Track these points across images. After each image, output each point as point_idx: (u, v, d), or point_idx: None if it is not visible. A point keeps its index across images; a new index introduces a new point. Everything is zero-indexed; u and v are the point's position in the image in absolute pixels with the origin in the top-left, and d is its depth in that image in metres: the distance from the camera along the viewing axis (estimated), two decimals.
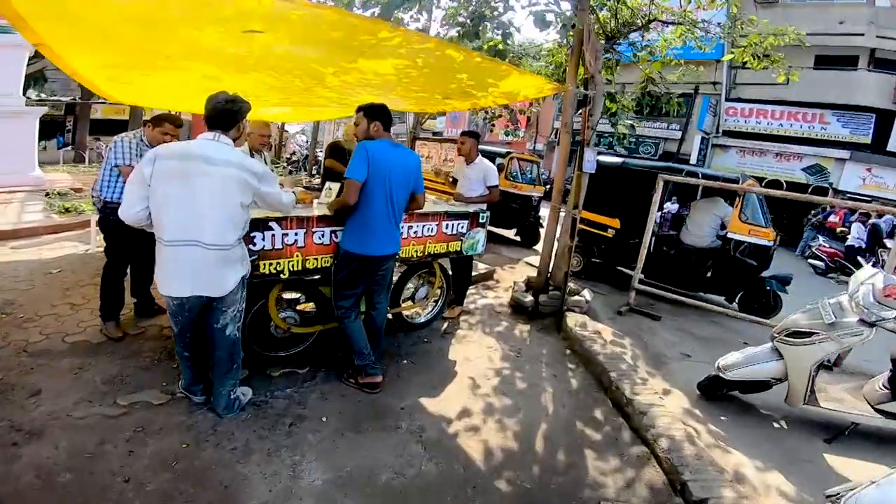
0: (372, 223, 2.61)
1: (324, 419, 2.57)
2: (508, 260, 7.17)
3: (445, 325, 4.15)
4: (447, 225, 3.46)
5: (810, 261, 10.27)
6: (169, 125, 3.14)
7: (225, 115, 2.14)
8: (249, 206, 2.18)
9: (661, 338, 4.65)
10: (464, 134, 4.24)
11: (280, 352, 3.04)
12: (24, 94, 8.33)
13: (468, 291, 4.56)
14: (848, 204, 7.89)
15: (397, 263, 3.40)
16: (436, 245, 3.45)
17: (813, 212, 12.51)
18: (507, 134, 10.81)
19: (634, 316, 5.15)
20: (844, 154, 14.68)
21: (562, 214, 4.59)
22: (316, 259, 2.78)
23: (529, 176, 8.60)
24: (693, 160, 16.07)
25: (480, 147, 9.38)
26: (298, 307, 3.15)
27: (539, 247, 8.30)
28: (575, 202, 4.24)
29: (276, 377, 2.91)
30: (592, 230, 6.11)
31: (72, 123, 17.05)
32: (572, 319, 4.28)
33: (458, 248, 3.64)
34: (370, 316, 2.95)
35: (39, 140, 8.70)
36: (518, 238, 8.68)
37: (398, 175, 2.62)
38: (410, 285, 3.77)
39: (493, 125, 10.19)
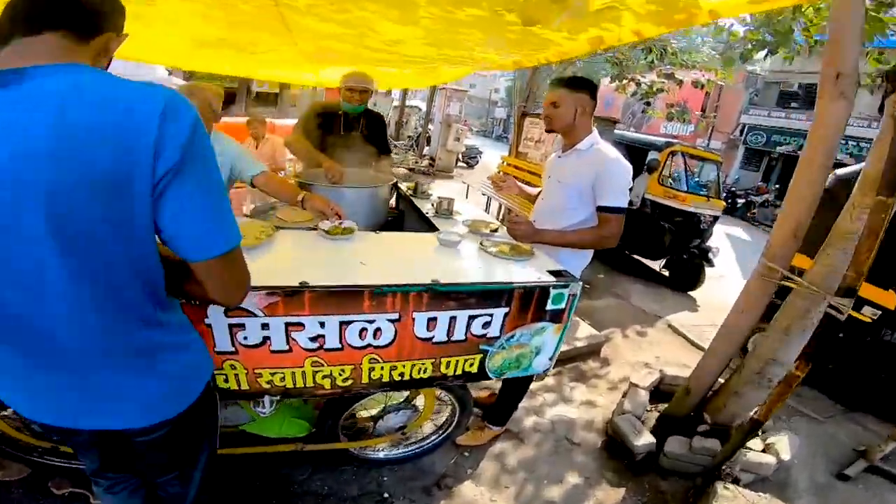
0: None
1: None
2: (639, 315, 4.46)
3: (453, 459, 2.12)
4: (433, 320, 1.24)
5: None
6: None
7: None
8: None
9: None
10: (557, 84, 1.86)
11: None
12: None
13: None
14: None
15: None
16: (403, 367, 1.30)
17: None
18: (670, 118, 7.36)
19: (875, 482, 2.46)
20: None
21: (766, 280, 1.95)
22: None
23: (701, 181, 5.56)
24: None
25: (618, 131, 6.50)
26: None
27: (700, 296, 5.46)
28: (859, 270, 1.54)
29: (56, 497, 1.62)
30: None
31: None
32: None
33: (473, 368, 1.40)
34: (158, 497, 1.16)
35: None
36: (665, 272, 5.73)
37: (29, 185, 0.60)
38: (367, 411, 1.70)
39: (649, 104, 6.99)
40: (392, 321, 1.19)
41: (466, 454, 2.18)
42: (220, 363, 1.14)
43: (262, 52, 3.50)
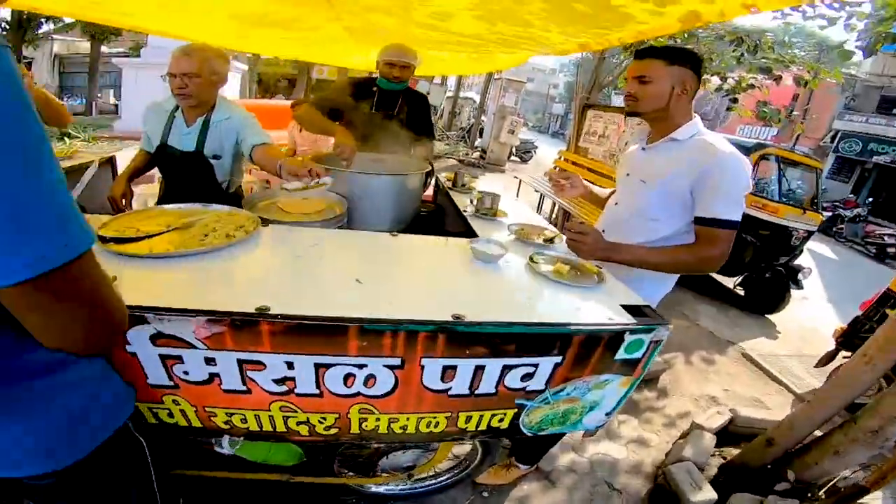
0: None
1: None
2: (707, 339, 3.88)
3: (468, 500, 1.83)
4: (450, 369, 0.87)
5: None
6: None
7: None
8: None
9: None
10: (647, 54, 1.39)
11: None
12: None
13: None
14: None
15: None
16: (406, 420, 0.97)
17: None
18: (762, 117, 6.34)
19: None
20: None
21: None
22: None
23: (793, 189, 4.80)
24: None
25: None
26: None
27: (780, 321, 4.70)
28: None
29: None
30: None
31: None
32: None
33: (502, 424, 1.04)
34: None
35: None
36: (740, 291, 5.02)
37: None
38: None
39: (736, 101, 6.10)
40: (391, 367, 0.84)
41: (485, 494, 1.85)
42: (159, 396, 0.84)
43: (306, 31, 3.23)
